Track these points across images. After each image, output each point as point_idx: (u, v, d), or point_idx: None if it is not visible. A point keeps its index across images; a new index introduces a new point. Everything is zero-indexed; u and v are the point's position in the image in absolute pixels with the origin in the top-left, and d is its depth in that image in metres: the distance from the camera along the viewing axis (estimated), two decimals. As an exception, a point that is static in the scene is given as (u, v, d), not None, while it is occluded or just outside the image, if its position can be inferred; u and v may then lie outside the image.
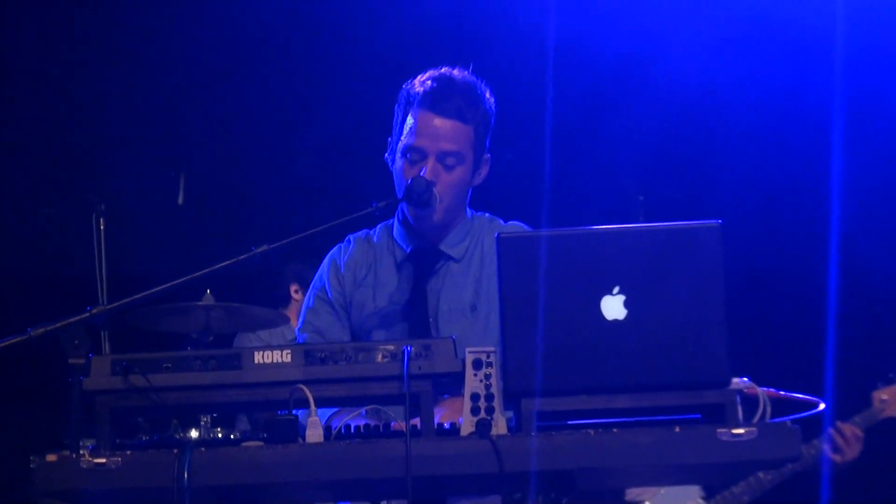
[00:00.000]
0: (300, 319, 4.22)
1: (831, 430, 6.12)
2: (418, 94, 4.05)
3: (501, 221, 4.22)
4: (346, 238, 4.26)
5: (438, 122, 4.02)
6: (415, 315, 4.08)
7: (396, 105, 4.12)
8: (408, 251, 4.15)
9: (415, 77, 4.12)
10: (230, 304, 6.33)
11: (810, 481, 6.17)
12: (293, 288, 7.39)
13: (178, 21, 7.23)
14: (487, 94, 4.13)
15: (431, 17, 6.85)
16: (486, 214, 4.25)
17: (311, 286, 4.25)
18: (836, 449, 6.17)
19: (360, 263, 4.19)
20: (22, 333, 3.30)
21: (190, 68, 7.34)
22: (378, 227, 4.27)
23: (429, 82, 4.06)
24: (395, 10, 6.98)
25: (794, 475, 6.23)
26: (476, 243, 4.16)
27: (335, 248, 4.25)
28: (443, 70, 4.10)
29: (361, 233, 4.25)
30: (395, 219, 4.21)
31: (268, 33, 7.36)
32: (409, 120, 4.04)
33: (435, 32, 6.89)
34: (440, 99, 4.02)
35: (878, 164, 6.90)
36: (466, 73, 4.12)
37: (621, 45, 6.98)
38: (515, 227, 4.16)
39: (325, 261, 4.24)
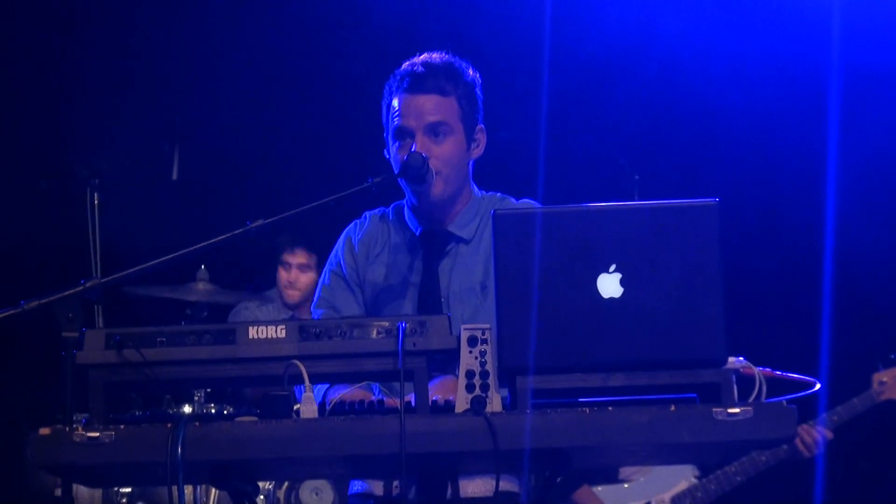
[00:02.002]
0: (316, 295, 4.24)
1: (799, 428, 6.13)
2: (399, 80, 4.12)
3: (513, 200, 4.24)
4: (363, 214, 4.30)
5: (419, 99, 4.07)
6: (426, 295, 4.10)
7: (382, 101, 4.18)
8: (417, 234, 4.16)
9: (398, 65, 4.18)
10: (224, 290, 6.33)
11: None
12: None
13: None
14: (469, 70, 4.18)
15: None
16: (497, 194, 4.27)
17: (327, 262, 4.27)
18: (803, 443, 6.17)
19: (375, 240, 4.21)
20: (16, 307, 3.29)
21: (184, 42, 7.33)
22: (392, 205, 4.28)
23: (407, 68, 4.13)
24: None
25: (787, 461, 6.25)
26: (485, 223, 4.18)
27: (351, 225, 4.29)
28: (420, 56, 4.17)
29: (377, 210, 4.28)
30: (405, 203, 4.23)
31: (264, 7, 7.34)
32: (394, 105, 4.10)
33: (431, 11, 6.88)
34: (418, 80, 4.09)
35: (875, 143, 6.89)
36: (444, 53, 4.17)
37: (617, 24, 6.97)
38: (526, 204, 4.17)
39: (342, 237, 4.28)
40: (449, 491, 3.76)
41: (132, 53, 7.36)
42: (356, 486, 4.11)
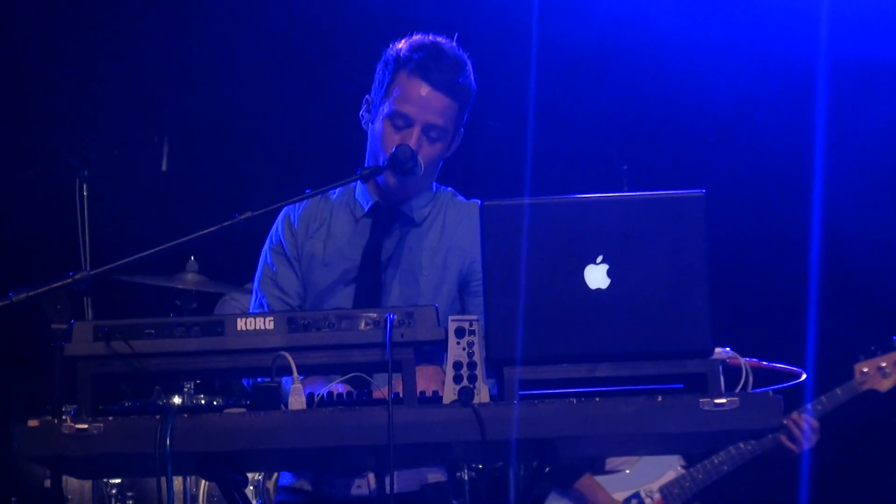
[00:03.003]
0: (257, 273, 4.22)
1: (786, 421, 6.16)
2: (408, 58, 4.04)
3: (462, 198, 4.24)
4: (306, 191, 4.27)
5: (428, 91, 4.02)
6: (366, 271, 4.09)
7: (380, 64, 4.11)
8: (367, 208, 4.15)
9: (400, 40, 4.12)
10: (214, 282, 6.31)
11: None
12: None
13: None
14: (471, 74, 4.13)
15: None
16: (450, 189, 4.26)
17: (266, 241, 4.25)
18: (791, 439, 6.20)
19: (314, 216, 4.20)
20: (4, 298, 3.29)
21: (174, 33, 7.32)
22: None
23: (419, 48, 4.06)
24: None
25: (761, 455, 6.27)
26: (438, 213, 4.17)
27: (289, 204, 4.24)
28: (432, 38, 4.10)
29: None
30: (359, 181, 4.19)
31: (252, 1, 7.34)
32: (400, 81, 4.04)
33: (419, 1, 6.87)
34: (431, 69, 4.02)
35: (862, 136, 6.90)
36: (454, 44, 4.12)
37: (606, 14, 6.97)
38: (474, 205, 4.14)
39: (279, 215, 4.24)
40: (373, 484, 3.78)
41: (121, 44, 7.35)
42: (285, 478, 4.11)
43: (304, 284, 4.15)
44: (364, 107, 4.15)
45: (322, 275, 4.13)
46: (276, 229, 4.23)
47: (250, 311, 4.28)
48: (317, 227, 4.18)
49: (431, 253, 4.12)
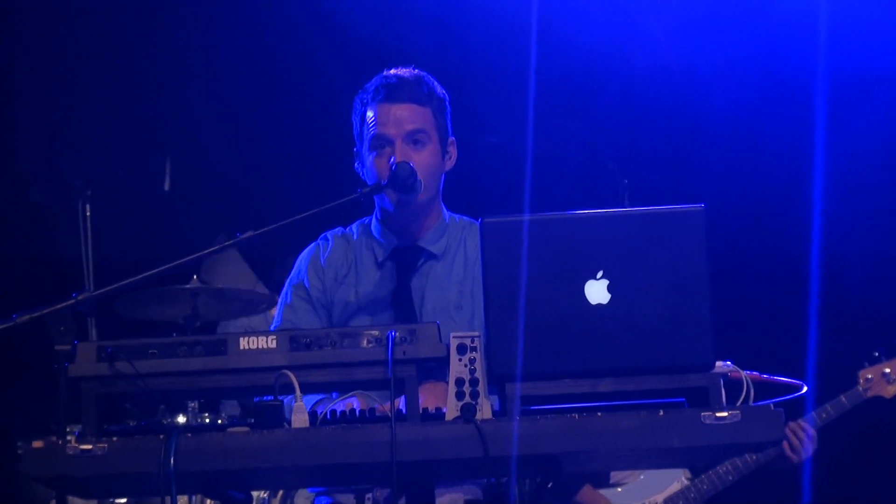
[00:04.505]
0: (277, 316, 4.23)
1: (786, 430, 6.16)
2: (371, 92, 4.17)
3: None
4: (323, 236, 4.30)
5: (396, 109, 4.14)
6: (400, 311, 4.11)
7: (353, 115, 4.21)
8: (388, 250, 4.18)
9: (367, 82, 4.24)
10: (216, 288, 6.34)
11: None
12: None
13: (166, 5, 7.22)
14: (437, 86, 4.24)
15: (414, 2, 6.86)
16: (465, 218, 4.29)
17: (287, 283, 4.26)
18: (792, 448, 6.20)
19: (341, 261, 4.22)
20: (7, 320, 3.30)
21: (176, 53, 7.33)
22: (354, 225, 4.31)
23: (378, 80, 4.19)
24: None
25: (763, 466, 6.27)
26: (458, 244, 4.21)
27: (312, 246, 4.29)
28: (389, 71, 4.23)
29: (338, 230, 4.29)
30: (374, 217, 4.24)
31: (254, 20, 7.35)
32: (369, 115, 4.15)
33: (418, 18, 6.89)
34: (393, 90, 4.15)
35: (861, 146, 6.91)
36: (412, 68, 4.24)
37: (604, 28, 6.97)
38: None
39: (304, 257, 4.27)
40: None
41: (123, 64, 7.37)
42: (323, 501, 4.12)
43: None
44: (356, 159, 4.22)
45: (358, 322, 4.15)
46: (300, 272, 4.25)
47: None
48: (345, 273, 4.21)
49: (459, 286, 4.16)
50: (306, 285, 4.19)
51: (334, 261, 4.21)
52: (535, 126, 6.52)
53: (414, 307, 4.12)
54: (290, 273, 4.32)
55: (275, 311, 4.36)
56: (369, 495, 3.95)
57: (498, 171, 6.31)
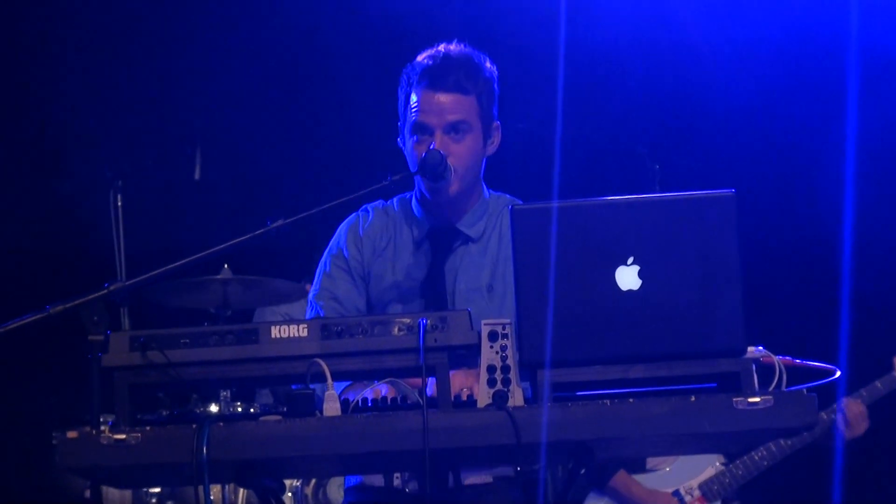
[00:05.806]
0: (315, 285, 4.23)
1: (841, 406, 6.15)
2: (417, 74, 4.11)
3: (520, 202, 4.23)
4: (363, 207, 4.29)
5: (440, 97, 4.07)
6: (432, 293, 4.11)
7: (399, 88, 4.18)
8: (426, 229, 4.17)
9: (416, 57, 4.18)
10: (247, 277, 6.37)
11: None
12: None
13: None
14: (487, 63, 4.18)
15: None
16: (506, 195, 4.28)
17: (326, 252, 4.26)
18: (846, 423, 6.20)
19: (380, 233, 4.22)
20: (41, 311, 3.31)
21: (205, 44, 7.35)
22: (395, 198, 4.29)
23: (426, 61, 4.12)
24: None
25: (808, 445, 6.26)
26: (494, 224, 4.20)
27: (352, 216, 4.27)
28: (439, 48, 4.16)
29: (378, 203, 4.28)
30: (413, 196, 4.24)
31: (283, 8, 7.36)
32: (413, 99, 4.10)
33: (446, 4, 6.88)
34: (438, 76, 4.08)
35: (893, 130, 6.87)
36: (462, 46, 4.17)
37: (633, 12, 6.96)
38: None
39: (343, 227, 4.26)
40: (451, 480, 3.80)
41: (153, 55, 7.39)
42: (352, 479, 4.12)
43: (370, 303, 4.17)
44: (399, 133, 4.21)
45: (391, 295, 4.15)
46: (339, 241, 4.24)
47: None
48: (384, 246, 4.20)
49: (493, 267, 4.15)
50: (345, 255, 4.19)
51: (373, 233, 4.21)
52: (565, 112, 6.51)
53: (445, 290, 4.11)
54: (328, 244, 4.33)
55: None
56: (397, 474, 3.96)
57: (528, 158, 6.30)
